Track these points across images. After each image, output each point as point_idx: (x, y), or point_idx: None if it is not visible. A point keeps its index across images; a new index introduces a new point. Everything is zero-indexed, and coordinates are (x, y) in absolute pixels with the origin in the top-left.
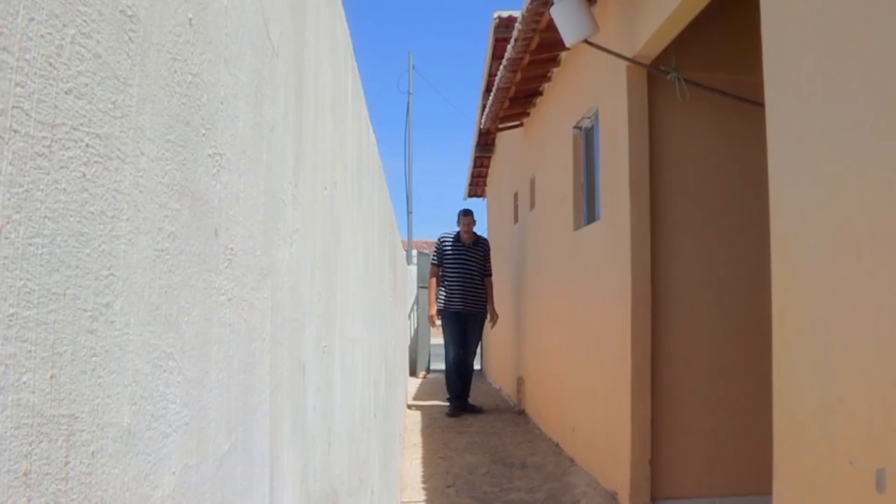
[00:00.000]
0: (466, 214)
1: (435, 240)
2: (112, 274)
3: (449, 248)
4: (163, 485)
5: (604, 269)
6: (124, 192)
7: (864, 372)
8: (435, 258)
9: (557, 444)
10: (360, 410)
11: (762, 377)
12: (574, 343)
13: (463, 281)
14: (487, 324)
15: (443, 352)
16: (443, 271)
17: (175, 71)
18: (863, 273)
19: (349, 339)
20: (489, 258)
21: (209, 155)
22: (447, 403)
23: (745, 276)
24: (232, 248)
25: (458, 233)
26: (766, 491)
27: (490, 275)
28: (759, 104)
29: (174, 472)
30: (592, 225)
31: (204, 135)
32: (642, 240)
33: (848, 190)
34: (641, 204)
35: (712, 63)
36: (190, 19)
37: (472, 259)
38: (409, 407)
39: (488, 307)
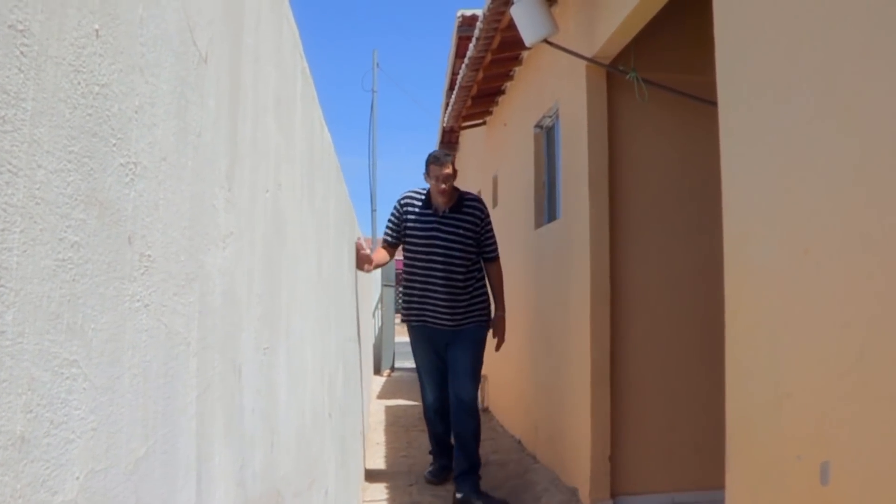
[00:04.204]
0: (439, 162)
1: None
2: (3, 285)
3: (413, 218)
4: (64, 490)
5: (564, 266)
6: (17, 204)
7: (810, 368)
8: (389, 232)
9: (520, 442)
10: (312, 410)
11: (719, 373)
12: (536, 341)
13: (432, 276)
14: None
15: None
16: (405, 255)
17: (78, 83)
18: (809, 271)
19: (297, 340)
20: (489, 230)
21: (121, 164)
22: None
23: (704, 273)
24: (149, 255)
25: (429, 193)
26: (723, 485)
27: (495, 258)
28: (715, 104)
29: (77, 478)
30: (553, 223)
31: (115, 145)
32: (601, 237)
33: (795, 189)
34: (601, 202)
35: (670, 63)
36: (96, 31)
37: (449, 236)
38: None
39: (492, 314)
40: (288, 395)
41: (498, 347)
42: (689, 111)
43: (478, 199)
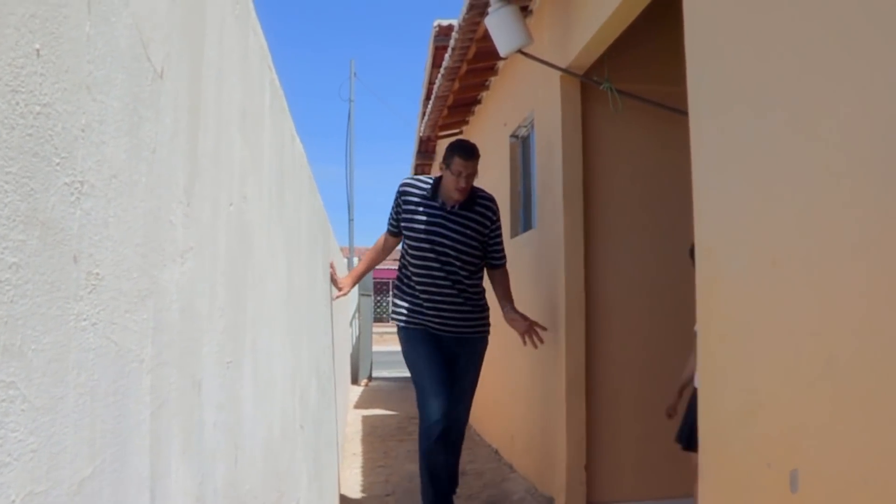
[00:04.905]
0: (467, 155)
1: None
2: None
3: (414, 209)
4: None
5: (539, 276)
6: None
7: (780, 377)
8: (392, 221)
9: (497, 451)
10: (281, 423)
11: None
12: (512, 350)
13: (432, 278)
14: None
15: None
16: (406, 252)
17: (16, 103)
18: (778, 281)
19: (265, 353)
20: (499, 234)
21: (66, 183)
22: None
23: (678, 283)
24: (97, 273)
25: (436, 182)
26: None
27: (502, 265)
28: (688, 114)
29: (13, 501)
30: (528, 233)
31: (58, 164)
32: (576, 247)
33: (764, 200)
34: (575, 212)
35: (644, 74)
36: (37, 50)
37: (455, 235)
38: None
39: (507, 317)
40: (255, 409)
41: (536, 333)
42: (663, 121)
43: (491, 199)
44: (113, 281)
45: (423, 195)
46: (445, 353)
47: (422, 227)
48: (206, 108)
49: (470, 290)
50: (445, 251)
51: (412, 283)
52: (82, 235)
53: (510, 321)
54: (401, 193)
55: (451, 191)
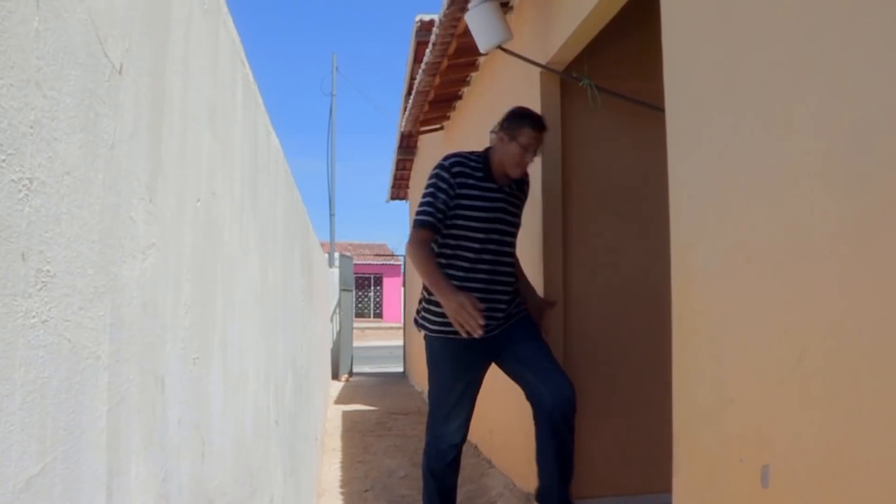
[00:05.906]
0: (538, 126)
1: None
2: None
3: (470, 193)
4: None
5: None
6: None
7: (752, 373)
8: (434, 211)
9: (476, 447)
10: (254, 418)
11: (670, 379)
12: None
13: (489, 268)
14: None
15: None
16: (456, 247)
17: None
18: (752, 279)
19: (236, 348)
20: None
21: (12, 181)
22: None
23: (657, 280)
24: (48, 270)
25: (486, 156)
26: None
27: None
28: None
29: None
30: None
31: (4, 161)
32: (555, 244)
33: (738, 198)
34: (554, 207)
35: (624, 71)
36: None
37: (511, 218)
38: None
39: (533, 305)
40: (224, 405)
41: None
42: (643, 118)
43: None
44: (66, 278)
45: (476, 176)
46: (489, 352)
47: (481, 213)
48: (171, 103)
49: (513, 275)
50: (504, 238)
51: (468, 279)
52: (31, 232)
53: (535, 310)
54: (455, 174)
55: (512, 167)
